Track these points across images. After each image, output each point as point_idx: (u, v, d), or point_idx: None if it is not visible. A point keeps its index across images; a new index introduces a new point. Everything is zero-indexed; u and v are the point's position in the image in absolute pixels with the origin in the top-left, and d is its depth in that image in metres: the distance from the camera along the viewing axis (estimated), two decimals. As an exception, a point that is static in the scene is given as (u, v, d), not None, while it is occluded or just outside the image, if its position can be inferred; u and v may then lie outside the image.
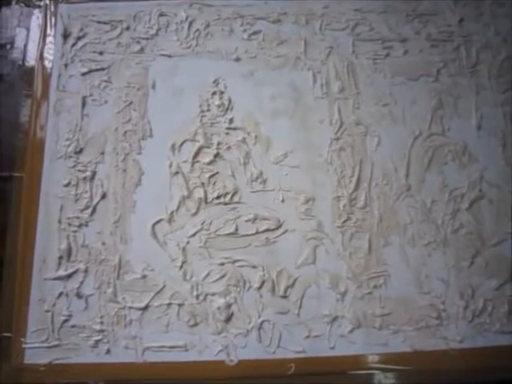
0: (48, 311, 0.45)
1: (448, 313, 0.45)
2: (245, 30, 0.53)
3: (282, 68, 0.52)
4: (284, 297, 0.45)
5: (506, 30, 0.53)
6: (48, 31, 0.53)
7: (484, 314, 0.45)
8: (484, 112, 0.50)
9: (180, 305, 0.45)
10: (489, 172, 0.48)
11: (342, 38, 0.53)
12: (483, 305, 0.45)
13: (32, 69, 0.52)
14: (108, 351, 0.44)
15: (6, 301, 0.45)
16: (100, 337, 0.44)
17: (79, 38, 0.53)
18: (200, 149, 0.49)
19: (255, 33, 0.53)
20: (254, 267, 0.46)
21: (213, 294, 0.45)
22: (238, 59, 0.52)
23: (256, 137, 0.50)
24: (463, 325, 0.44)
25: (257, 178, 0.48)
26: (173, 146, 0.49)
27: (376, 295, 0.45)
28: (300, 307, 0.45)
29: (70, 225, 0.47)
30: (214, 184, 0.48)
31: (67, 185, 0.48)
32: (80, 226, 0.47)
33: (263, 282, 0.45)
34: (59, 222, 0.47)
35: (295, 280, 0.46)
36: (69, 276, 0.46)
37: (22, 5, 0.54)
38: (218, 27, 0.53)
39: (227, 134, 0.50)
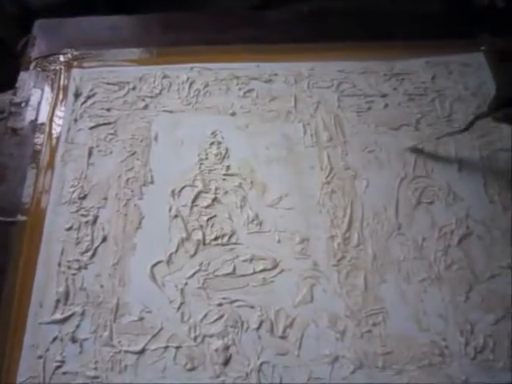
0: (40, 357, 0.43)
1: (450, 350, 0.43)
2: (240, 89, 0.58)
3: (274, 121, 0.56)
4: (283, 337, 0.44)
5: (474, 86, 0.58)
6: (60, 91, 0.58)
7: (486, 350, 0.43)
8: (463, 156, 0.53)
9: (177, 348, 0.44)
10: (474, 210, 0.50)
11: (328, 95, 0.58)
12: (484, 341, 0.44)
13: (43, 124, 0.56)
14: (101, 400, 0.42)
15: (-2, 347, 0.44)
16: (93, 384, 0.42)
17: (89, 97, 0.58)
18: (199, 193, 0.51)
19: (249, 91, 0.58)
20: (252, 307, 0.45)
21: (211, 336, 0.44)
22: (233, 114, 0.57)
23: (252, 182, 0.52)
24: (466, 362, 0.43)
25: (253, 220, 0.50)
26: (173, 192, 0.51)
27: (376, 333, 0.44)
28: (300, 348, 0.44)
29: (69, 268, 0.47)
30: (212, 226, 0.50)
31: (69, 229, 0.49)
32: (79, 268, 0.47)
33: (261, 323, 0.45)
34: (59, 264, 0.47)
35: (293, 320, 0.45)
36: (65, 319, 0.45)
37: (39, 69, 0.60)
38: (215, 87, 0.59)
39: (224, 179, 0.52)
